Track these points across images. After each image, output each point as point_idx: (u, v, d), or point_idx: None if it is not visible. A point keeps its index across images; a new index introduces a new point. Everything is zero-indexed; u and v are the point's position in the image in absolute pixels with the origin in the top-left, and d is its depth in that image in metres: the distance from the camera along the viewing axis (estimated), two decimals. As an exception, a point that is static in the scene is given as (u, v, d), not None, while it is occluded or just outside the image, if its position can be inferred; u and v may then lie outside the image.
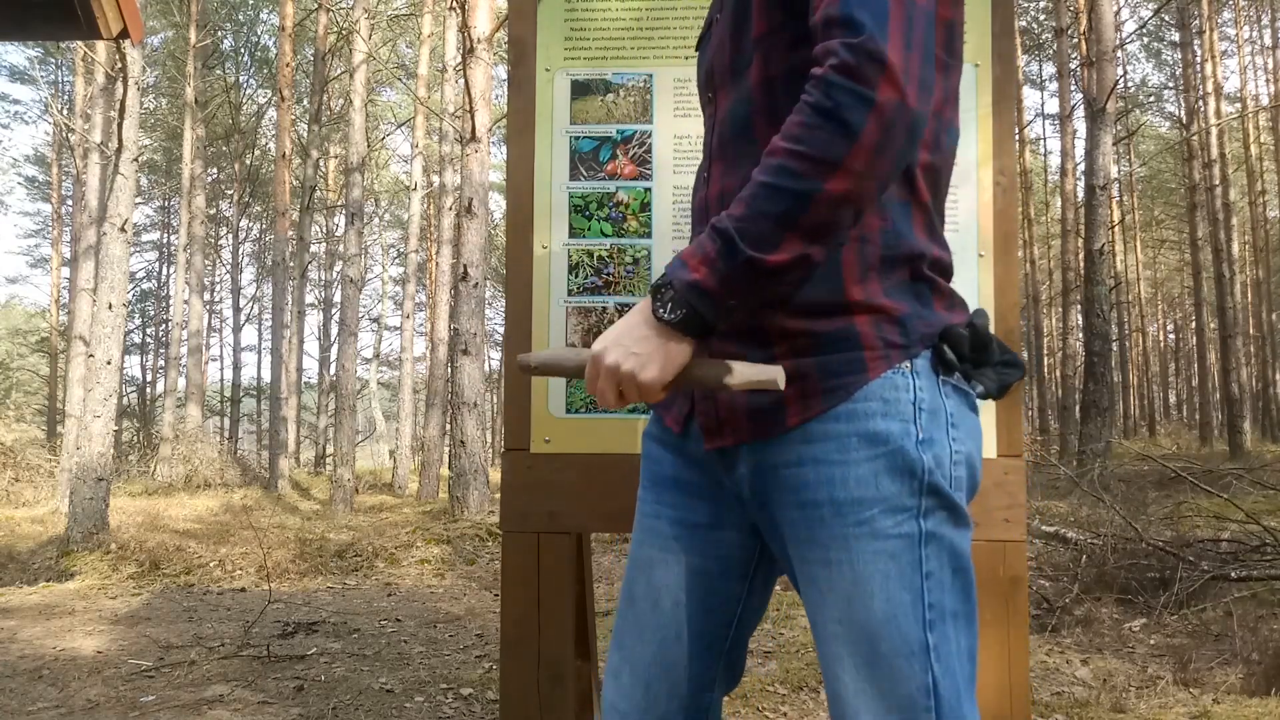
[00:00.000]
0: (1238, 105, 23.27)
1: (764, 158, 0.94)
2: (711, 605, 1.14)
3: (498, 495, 4.98)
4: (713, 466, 1.13)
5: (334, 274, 26.38)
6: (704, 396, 1.09)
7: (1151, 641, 4.10)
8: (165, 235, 29.72)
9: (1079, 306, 16.51)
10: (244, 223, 28.63)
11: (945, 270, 1.08)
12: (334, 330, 22.53)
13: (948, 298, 1.07)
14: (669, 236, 1.94)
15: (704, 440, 1.11)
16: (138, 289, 29.23)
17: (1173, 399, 35.30)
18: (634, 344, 0.97)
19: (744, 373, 0.97)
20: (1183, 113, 21.22)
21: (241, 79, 24.59)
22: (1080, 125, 18.47)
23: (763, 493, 1.05)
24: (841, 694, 1.01)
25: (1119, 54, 15.52)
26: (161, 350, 28.75)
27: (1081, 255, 14.39)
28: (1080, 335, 15.34)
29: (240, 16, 24.16)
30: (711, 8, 1.20)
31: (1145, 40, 24.53)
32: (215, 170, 25.57)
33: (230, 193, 26.16)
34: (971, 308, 1.11)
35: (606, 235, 1.95)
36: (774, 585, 1.21)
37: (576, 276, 1.95)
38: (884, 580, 0.98)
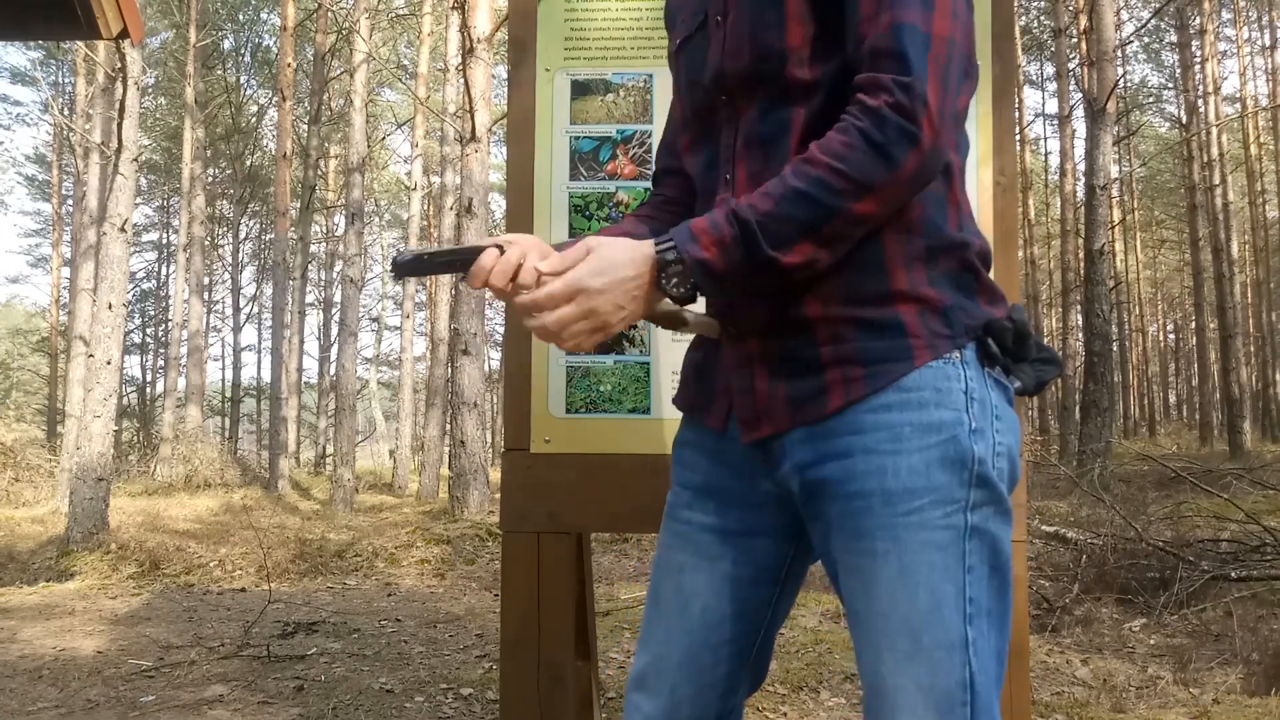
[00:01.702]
0: (1237, 106, 23.27)
1: (799, 163, 0.96)
2: (742, 612, 1.13)
3: (498, 495, 4.98)
4: (752, 468, 1.11)
5: (334, 274, 26.35)
6: (743, 391, 1.08)
7: (1151, 641, 4.10)
8: (165, 235, 29.73)
9: (1079, 306, 16.52)
10: (244, 222, 28.63)
11: (987, 259, 1.09)
12: (334, 330, 22.57)
13: (990, 291, 1.07)
14: (669, 236, 1.94)
15: (742, 433, 1.09)
16: (137, 289, 29.21)
17: (1173, 399, 35.31)
18: (623, 298, 0.99)
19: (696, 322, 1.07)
20: (1182, 113, 21.22)
21: (242, 79, 24.59)
22: (1080, 125, 18.50)
23: (809, 486, 1.04)
24: (879, 686, 1.00)
25: (1119, 54, 15.52)
26: (161, 350, 28.74)
27: (1081, 255, 14.41)
28: (1080, 335, 15.36)
29: (241, 16, 24.15)
30: (703, 5, 1.14)
31: (1144, 41, 24.52)
32: (215, 170, 25.55)
33: (230, 193, 26.16)
34: None
35: (606, 235, 1.94)
36: (800, 585, 1.20)
37: (576, 276, 1.95)
38: (929, 572, 0.98)
